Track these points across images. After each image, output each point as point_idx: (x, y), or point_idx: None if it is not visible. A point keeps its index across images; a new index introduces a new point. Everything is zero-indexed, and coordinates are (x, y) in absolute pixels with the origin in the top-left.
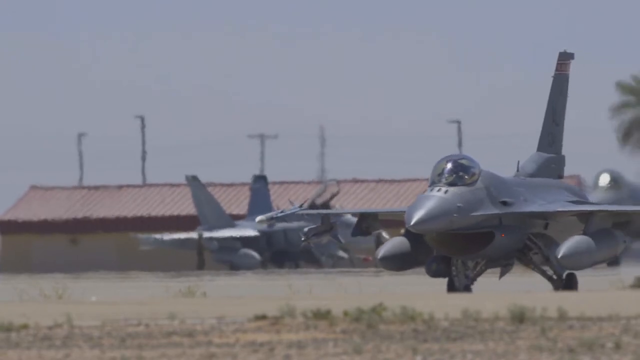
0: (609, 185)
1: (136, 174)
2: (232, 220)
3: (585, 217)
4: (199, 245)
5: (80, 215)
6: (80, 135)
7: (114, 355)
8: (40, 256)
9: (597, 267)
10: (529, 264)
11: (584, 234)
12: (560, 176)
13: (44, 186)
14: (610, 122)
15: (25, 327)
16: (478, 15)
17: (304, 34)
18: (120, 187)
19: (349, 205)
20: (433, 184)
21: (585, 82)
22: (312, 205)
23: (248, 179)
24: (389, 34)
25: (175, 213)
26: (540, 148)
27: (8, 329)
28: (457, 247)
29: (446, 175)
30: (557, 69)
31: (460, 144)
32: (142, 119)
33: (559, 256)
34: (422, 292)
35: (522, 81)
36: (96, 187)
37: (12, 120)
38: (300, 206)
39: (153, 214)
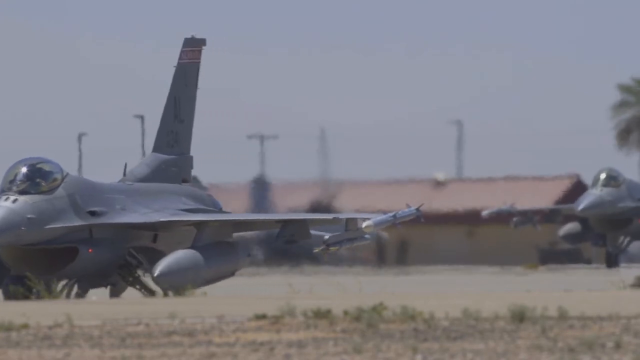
0: (607, 183)
1: None
2: None
3: (199, 228)
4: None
5: None
6: (81, 135)
7: (114, 354)
8: None
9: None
10: (134, 283)
11: (192, 247)
12: (186, 180)
13: None
14: (609, 121)
15: (25, 326)
16: (480, 16)
17: (304, 33)
18: None
19: (348, 207)
20: (2, 192)
21: (585, 82)
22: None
23: (248, 179)
24: (389, 34)
25: None
26: (157, 149)
27: (8, 328)
28: (35, 265)
29: (19, 181)
30: (182, 57)
31: (460, 144)
32: (142, 119)
33: (154, 275)
34: (422, 291)
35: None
36: None
37: (12, 120)
38: None
39: None
